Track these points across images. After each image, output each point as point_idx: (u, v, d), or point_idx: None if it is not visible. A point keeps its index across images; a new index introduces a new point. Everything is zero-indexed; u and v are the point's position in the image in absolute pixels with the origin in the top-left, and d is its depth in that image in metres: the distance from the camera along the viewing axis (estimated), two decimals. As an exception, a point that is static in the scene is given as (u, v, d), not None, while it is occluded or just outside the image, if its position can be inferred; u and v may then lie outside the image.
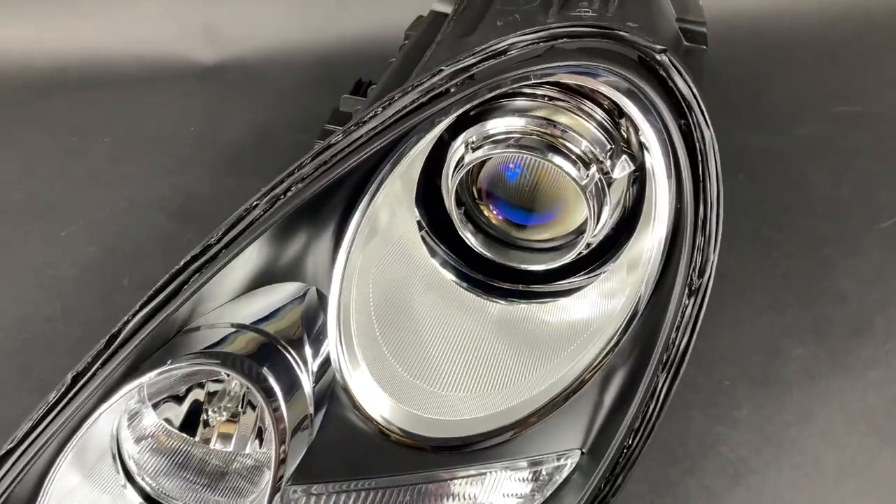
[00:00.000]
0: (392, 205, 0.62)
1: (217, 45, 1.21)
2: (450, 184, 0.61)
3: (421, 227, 0.67)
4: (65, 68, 1.16)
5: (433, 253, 0.67)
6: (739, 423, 0.73)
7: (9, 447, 0.50)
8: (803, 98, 1.11)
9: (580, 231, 0.62)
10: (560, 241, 0.65)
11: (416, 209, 0.66)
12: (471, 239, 0.65)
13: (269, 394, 0.53)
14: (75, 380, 0.50)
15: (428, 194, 0.65)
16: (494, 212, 0.65)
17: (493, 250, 0.66)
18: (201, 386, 0.60)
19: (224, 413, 0.60)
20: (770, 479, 0.69)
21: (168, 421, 0.59)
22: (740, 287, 0.84)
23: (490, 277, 0.68)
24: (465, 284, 0.67)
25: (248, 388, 0.56)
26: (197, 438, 0.60)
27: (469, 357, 0.63)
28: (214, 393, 0.60)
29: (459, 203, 0.64)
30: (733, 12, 1.19)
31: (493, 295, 0.67)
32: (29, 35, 1.19)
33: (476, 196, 0.64)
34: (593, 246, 0.63)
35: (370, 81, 0.85)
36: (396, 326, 0.62)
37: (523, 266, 0.66)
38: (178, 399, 0.59)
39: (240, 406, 0.61)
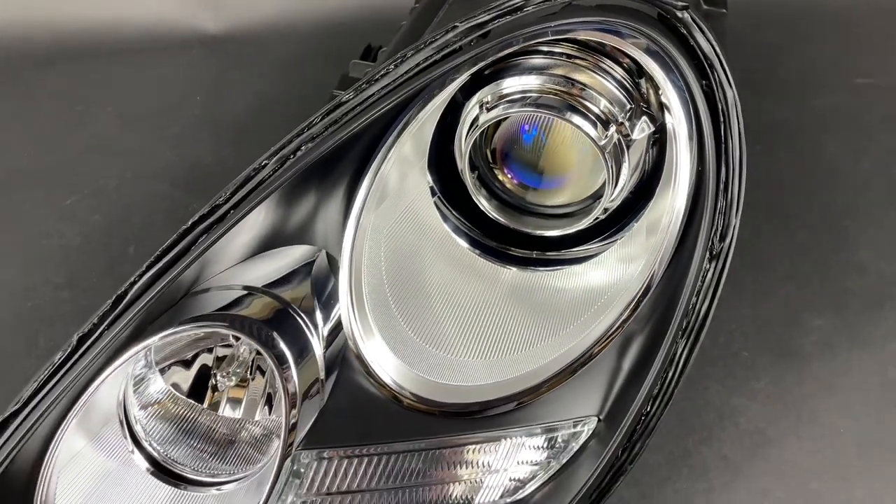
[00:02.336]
0: (403, 168, 0.60)
1: (221, 14, 1.20)
2: (463, 146, 0.60)
3: (433, 193, 0.66)
4: (65, 39, 1.16)
5: (445, 219, 0.66)
6: (757, 395, 0.73)
7: (14, 409, 0.49)
8: (822, 69, 1.10)
9: (597, 195, 0.61)
10: (576, 207, 0.64)
11: (428, 173, 0.64)
12: (484, 204, 0.64)
13: (280, 359, 0.53)
14: (81, 341, 0.50)
15: (440, 159, 0.64)
16: (509, 175, 0.64)
17: (507, 216, 0.65)
18: (209, 351, 0.59)
19: (233, 378, 0.59)
20: (788, 451, 0.69)
21: (175, 386, 0.58)
22: (759, 259, 0.84)
23: (504, 244, 0.67)
24: (477, 251, 0.66)
25: (258, 352, 0.55)
26: (205, 405, 0.59)
27: (482, 323, 0.62)
28: (223, 358, 0.59)
29: (473, 167, 0.63)
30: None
31: (507, 262, 0.66)
32: (28, 5, 1.18)
33: (490, 160, 0.64)
34: (610, 211, 0.62)
35: (380, 46, 0.84)
36: (408, 291, 0.61)
37: (538, 232, 0.65)
38: (186, 364, 0.59)
39: (249, 372, 0.60)
